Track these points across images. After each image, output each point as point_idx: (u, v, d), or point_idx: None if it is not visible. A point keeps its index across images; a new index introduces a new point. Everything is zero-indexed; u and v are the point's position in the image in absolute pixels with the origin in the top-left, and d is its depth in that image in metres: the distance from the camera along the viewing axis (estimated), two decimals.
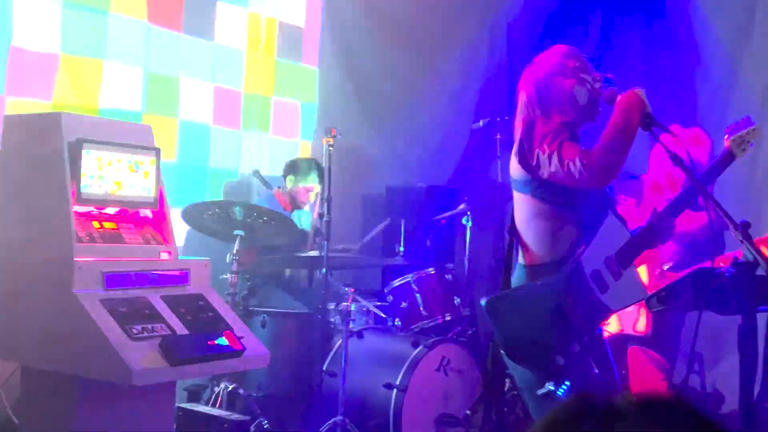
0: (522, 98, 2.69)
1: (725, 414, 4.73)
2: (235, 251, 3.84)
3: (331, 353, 3.93)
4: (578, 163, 2.41)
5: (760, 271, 2.07)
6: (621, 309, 2.74)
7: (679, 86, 5.41)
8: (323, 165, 3.98)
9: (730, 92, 5.32)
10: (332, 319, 4.06)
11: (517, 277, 2.70)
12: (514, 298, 2.56)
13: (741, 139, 2.80)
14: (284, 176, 4.75)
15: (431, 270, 4.32)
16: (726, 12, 5.43)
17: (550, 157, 2.46)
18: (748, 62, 5.29)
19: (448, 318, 4.23)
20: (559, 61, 2.65)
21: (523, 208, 2.65)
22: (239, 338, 2.68)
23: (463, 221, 4.66)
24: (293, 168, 4.75)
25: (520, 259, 2.69)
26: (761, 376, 5.00)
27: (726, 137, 2.76)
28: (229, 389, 3.64)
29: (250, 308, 3.97)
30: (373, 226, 5.01)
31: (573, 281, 2.53)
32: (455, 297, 4.29)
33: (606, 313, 2.65)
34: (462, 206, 4.64)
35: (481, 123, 4.57)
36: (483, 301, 2.54)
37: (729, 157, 2.77)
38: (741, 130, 2.77)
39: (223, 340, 2.63)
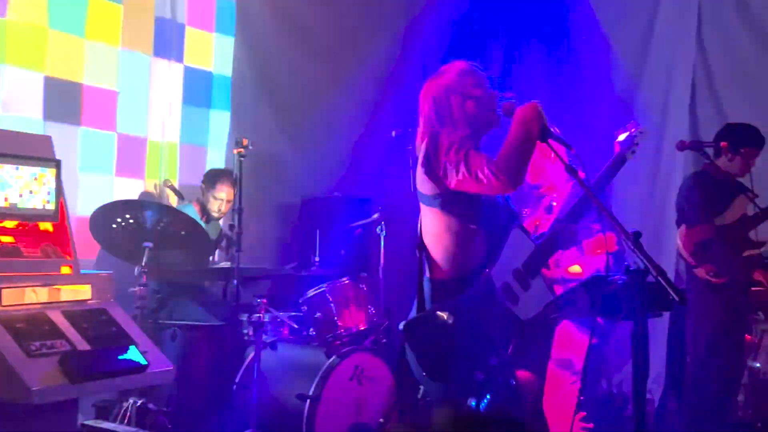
0: (422, 112, 2.72)
1: (629, 416, 4.90)
2: (143, 263, 3.74)
3: (244, 365, 3.89)
4: (486, 170, 2.45)
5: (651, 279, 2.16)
6: (531, 319, 2.77)
7: (583, 100, 5.60)
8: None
9: (631, 104, 5.53)
10: (245, 331, 4.02)
11: (428, 294, 2.69)
12: (429, 320, 2.56)
13: (631, 142, 2.91)
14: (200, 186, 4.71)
15: (345, 280, 4.33)
16: (626, 28, 5.66)
17: (457, 166, 2.49)
18: (647, 74, 5.50)
19: (362, 327, 4.25)
20: (457, 77, 2.68)
21: (431, 222, 2.65)
22: (143, 353, 2.62)
23: (378, 231, 4.69)
24: (206, 178, 4.70)
25: (428, 273, 2.68)
26: (664, 378, 5.25)
27: (616, 141, 2.87)
28: (138, 405, 3.55)
29: (160, 321, 3.89)
30: (290, 236, 5.00)
31: (485, 296, 2.56)
32: (369, 306, 4.31)
33: (519, 324, 2.69)
34: (376, 215, 4.67)
35: (393, 133, 4.61)
36: (401, 326, 2.53)
37: (620, 160, 2.87)
38: (629, 132, 2.88)
39: (126, 356, 2.57)
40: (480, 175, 2.46)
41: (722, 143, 4.01)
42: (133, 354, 2.60)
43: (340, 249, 4.87)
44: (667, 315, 5.17)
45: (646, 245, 4.84)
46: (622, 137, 2.97)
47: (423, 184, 2.64)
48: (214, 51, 5.50)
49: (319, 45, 6.03)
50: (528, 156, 2.51)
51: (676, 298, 2.02)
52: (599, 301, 2.11)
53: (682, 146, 3.85)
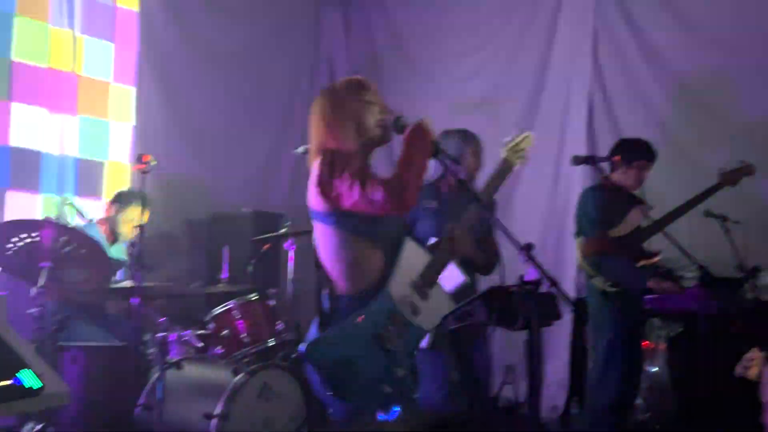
0: (314, 128, 2.69)
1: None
2: (41, 284, 3.61)
3: (148, 386, 3.79)
4: (380, 193, 2.46)
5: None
6: (436, 326, 2.80)
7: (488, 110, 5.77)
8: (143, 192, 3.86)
9: (532, 120, 5.70)
10: (149, 351, 3.92)
11: (328, 310, 2.68)
12: (331, 340, 2.55)
13: (516, 147, 2.98)
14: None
15: (253, 296, 4.29)
16: (525, 49, 5.85)
17: (351, 187, 2.48)
18: (547, 91, 5.68)
19: (271, 343, 4.21)
20: (348, 92, 2.68)
21: (326, 239, 2.64)
22: (39, 375, 2.52)
23: (287, 245, 4.66)
24: (117, 198, 4.61)
25: (327, 290, 2.67)
26: (568, 384, 5.41)
27: (501, 147, 2.94)
28: (38, 429, 3.42)
29: (60, 344, 3.75)
30: (197, 253, 4.90)
31: (385, 309, 2.58)
32: (278, 322, 4.28)
33: (422, 334, 2.71)
34: (284, 230, 4.64)
35: (302, 149, 4.61)
36: (301, 348, 2.50)
37: (507, 167, 2.93)
38: (515, 138, 2.96)
39: (19, 379, 2.47)
40: (374, 198, 2.46)
41: (615, 157, 4.18)
42: (26, 377, 2.50)
43: (248, 265, 4.81)
44: (569, 323, 5.34)
45: (550, 257, 5.02)
46: (507, 143, 3.03)
47: (316, 203, 2.62)
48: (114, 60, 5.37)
49: (225, 58, 5.99)
50: (422, 174, 2.53)
51: (569, 307, 2.08)
52: (497, 311, 2.16)
53: (577, 161, 3.99)
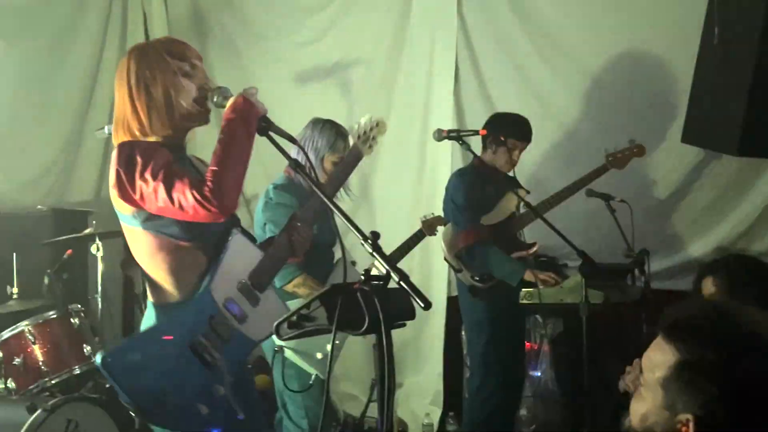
0: (117, 98, 2.67)
1: None
2: None
3: None
4: (190, 198, 2.45)
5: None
6: (266, 338, 2.86)
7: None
8: None
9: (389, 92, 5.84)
10: None
11: (147, 319, 2.72)
12: (135, 348, 2.54)
13: (366, 136, 3.13)
14: None
15: (52, 314, 4.24)
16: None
17: (156, 192, 2.48)
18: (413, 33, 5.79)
19: (77, 371, 4.19)
20: (161, 58, 2.64)
21: (137, 243, 2.66)
22: None
23: (93, 251, 4.59)
24: None
25: (150, 297, 2.72)
26: (443, 398, 5.60)
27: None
28: None
29: None
30: None
31: (205, 314, 2.62)
32: (85, 344, 4.24)
33: (250, 346, 2.77)
34: (89, 230, 4.58)
35: (105, 130, 4.55)
36: (97, 357, 2.45)
37: (354, 157, 3.07)
38: (364, 125, 3.10)
39: None
40: (184, 204, 2.45)
41: (481, 131, 4.36)
42: None
43: (45, 276, 4.70)
44: (442, 326, 5.55)
45: (418, 251, 5.14)
46: (355, 130, 3.18)
47: (118, 205, 2.61)
48: None
49: (5, 15, 5.71)
50: (242, 162, 2.51)
51: (421, 305, 2.19)
52: (340, 313, 2.23)
53: (440, 136, 4.14)
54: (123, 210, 2.62)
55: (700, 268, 3.07)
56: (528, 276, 4.40)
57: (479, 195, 4.53)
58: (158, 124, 2.63)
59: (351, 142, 3.22)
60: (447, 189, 4.70)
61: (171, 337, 2.53)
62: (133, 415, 2.54)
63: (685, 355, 1.70)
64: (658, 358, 1.76)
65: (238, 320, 2.69)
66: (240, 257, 2.72)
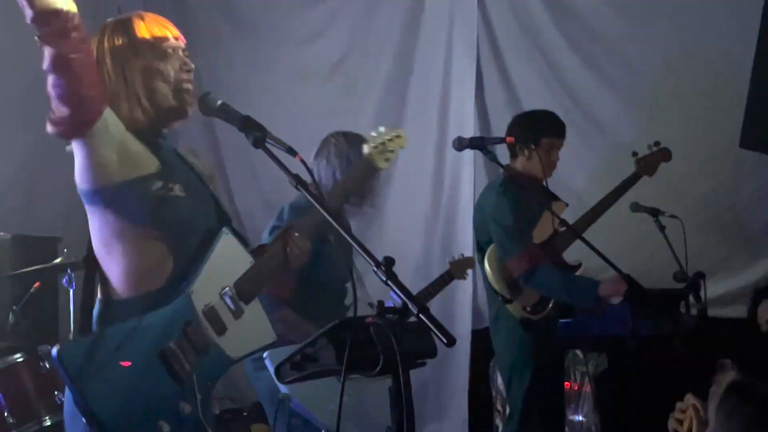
0: None
1: None
2: None
3: None
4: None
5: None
6: (245, 356, 2.84)
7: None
8: None
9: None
10: None
11: (98, 317, 2.67)
12: (96, 345, 2.49)
13: (383, 147, 3.12)
14: None
15: (19, 357, 4.24)
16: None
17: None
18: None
19: (47, 422, 4.20)
20: (136, 37, 2.64)
21: (96, 226, 2.63)
22: None
23: (64, 282, 4.59)
24: None
25: (100, 294, 2.67)
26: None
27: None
28: None
29: None
30: None
31: (180, 319, 2.59)
32: (56, 392, 4.23)
33: (225, 364, 2.73)
34: (60, 259, 4.57)
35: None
36: (53, 351, 2.42)
37: (368, 168, 3.05)
38: (384, 136, 3.09)
39: None
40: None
41: (508, 138, 4.28)
42: None
43: (9, 312, 4.72)
44: (467, 365, 5.51)
45: (433, 274, 5.12)
46: (373, 138, 3.18)
47: (80, 175, 2.60)
48: None
49: None
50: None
51: (444, 341, 2.17)
52: (350, 353, 2.21)
53: (460, 145, 4.03)
54: (84, 183, 2.59)
55: (756, 292, 3.03)
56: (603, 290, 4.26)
57: (525, 210, 4.40)
58: (135, 107, 2.62)
59: (366, 150, 3.20)
60: (480, 207, 4.54)
61: (143, 325, 2.53)
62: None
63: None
64: None
65: (216, 331, 2.66)
66: (227, 261, 2.70)
